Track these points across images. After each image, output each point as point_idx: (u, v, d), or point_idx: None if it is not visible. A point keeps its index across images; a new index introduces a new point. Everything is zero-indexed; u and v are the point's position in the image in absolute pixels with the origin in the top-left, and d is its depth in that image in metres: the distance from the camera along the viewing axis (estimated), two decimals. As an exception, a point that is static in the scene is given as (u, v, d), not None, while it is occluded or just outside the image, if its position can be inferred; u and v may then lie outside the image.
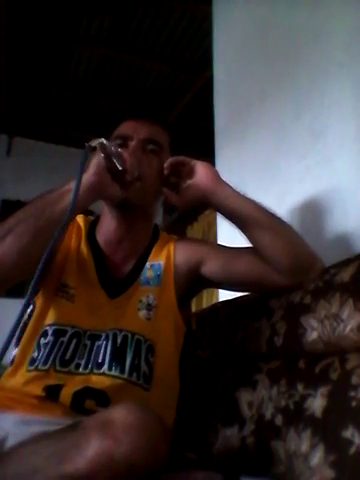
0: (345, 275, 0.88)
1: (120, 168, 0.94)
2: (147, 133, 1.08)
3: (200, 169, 1.02)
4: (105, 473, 0.63)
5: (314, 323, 0.90)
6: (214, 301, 1.83)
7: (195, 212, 4.00)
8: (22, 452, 0.70)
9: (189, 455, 1.01)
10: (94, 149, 0.92)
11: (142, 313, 1.02)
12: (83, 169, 0.88)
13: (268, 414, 0.94)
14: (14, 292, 1.02)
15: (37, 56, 3.43)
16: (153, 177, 1.04)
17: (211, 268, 1.06)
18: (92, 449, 0.64)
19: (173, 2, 2.90)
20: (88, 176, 0.92)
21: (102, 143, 0.92)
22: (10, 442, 0.79)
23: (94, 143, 0.91)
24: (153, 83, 3.70)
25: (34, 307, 1.03)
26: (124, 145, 1.05)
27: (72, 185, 0.87)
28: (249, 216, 0.99)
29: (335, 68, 1.30)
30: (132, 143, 1.05)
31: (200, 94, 3.59)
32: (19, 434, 0.77)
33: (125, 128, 1.10)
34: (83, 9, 2.98)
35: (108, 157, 0.93)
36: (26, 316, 1.03)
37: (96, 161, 0.93)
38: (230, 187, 1.02)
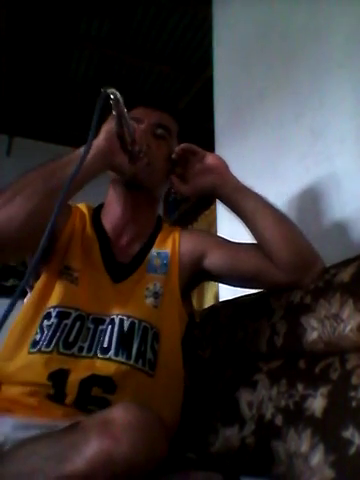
0: (345, 275, 0.88)
1: (129, 139, 0.94)
2: (157, 118, 1.10)
3: (211, 160, 1.04)
4: (104, 473, 0.63)
5: (314, 323, 0.90)
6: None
7: (195, 212, 4.00)
8: (21, 452, 0.70)
9: (189, 455, 1.01)
10: (109, 98, 0.89)
11: (149, 300, 1.01)
12: (98, 116, 0.85)
13: (268, 414, 0.94)
14: (8, 292, 1.00)
15: (37, 56, 3.43)
16: (161, 161, 1.06)
17: (214, 260, 1.06)
18: (91, 449, 0.64)
19: (173, 2, 2.90)
20: (98, 141, 0.93)
21: (116, 95, 0.89)
22: (8, 447, 0.77)
23: (109, 90, 0.88)
24: (153, 83, 3.70)
25: (31, 290, 1.01)
26: None
27: (83, 150, 0.85)
28: (255, 209, 1.01)
29: (335, 68, 1.30)
30: (142, 126, 1.06)
31: (200, 94, 3.58)
32: (18, 439, 0.76)
33: (135, 113, 1.10)
34: (83, 9, 2.98)
35: (119, 118, 0.91)
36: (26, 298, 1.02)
37: (107, 127, 0.94)
38: (237, 180, 1.04)
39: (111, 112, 0.92)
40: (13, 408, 0.88)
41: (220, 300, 1.42)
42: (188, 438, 1.09)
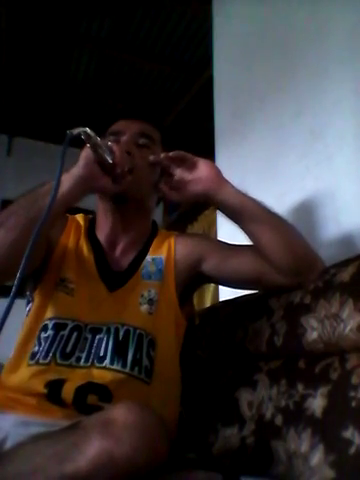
0: (345, 275, 0.88)
1: (110, 161, 0.94)
2: (138, 128, 1.10)
3: (202, 166, 1.01)
4: (106, 473, 0.63)
5: (314, 323, 0.90)
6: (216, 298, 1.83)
7: (195, 212, 4.00)
8: (23, 452, 0.70)
9: (189, 455, 1.01)
10: (77, 138, 0.90)
11: (144, 307, 1.02)
12: (64, 157, 0.86)
13: (268, 414, 0.94)
14: (5, 291, 1.01)
15: (37, 56, 3.43)
16: (146, 170, 1.05)
17: (211, 264, 1.06)
18: (93, 449, 0.64)
19: (173, 2, 2.90)
20: (77, 169, 0.93)
21: (86, 132, 0.90)
22: (9, 444, 0.79)
23: (76, 131, 0.90)
24: (153, 83, 3.70)
25: (32, 303, 1.02)
26: (116, 141, 1.05)
27: (63, 178, 0.87)
28: (250, 215, 0.99)
29: (335, 67, 1.30)
30: (124, 137, 1.07)
31: (200, 94, 3.58)
32: (18, 435, 0.77)
33: (117, 126, 1.12)
34: (83, 9, 2.98)
35: (95, 148, 0.92)
36: (25, 313, 1.03)
37: (84, 154, 0.94)
38: (232, 185, 1.01)
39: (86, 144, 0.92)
40: (14, 405, 0.89)
41: (220, 300, 1.42)
42: (188, 438, 1.09)
